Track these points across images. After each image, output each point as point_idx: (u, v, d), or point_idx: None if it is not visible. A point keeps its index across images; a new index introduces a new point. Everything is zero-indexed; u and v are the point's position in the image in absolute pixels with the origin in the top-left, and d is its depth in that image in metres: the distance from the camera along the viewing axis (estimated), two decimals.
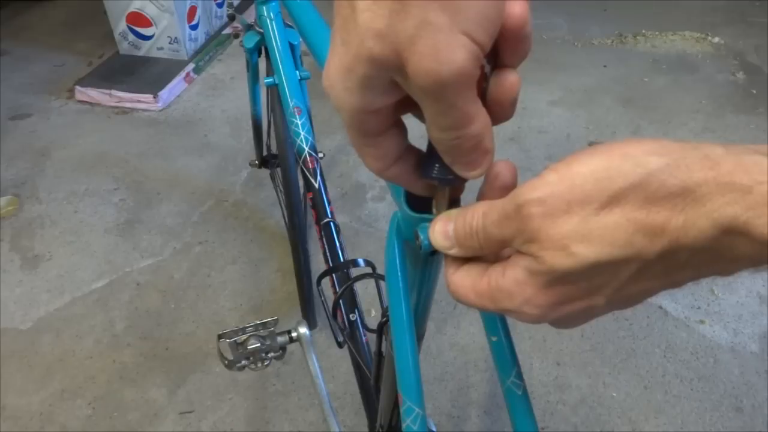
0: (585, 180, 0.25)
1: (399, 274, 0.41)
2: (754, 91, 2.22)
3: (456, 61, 0.23)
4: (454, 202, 0.35)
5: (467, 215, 0.30)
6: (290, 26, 1.12)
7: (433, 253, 0.33)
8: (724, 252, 0.23)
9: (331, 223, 0.97)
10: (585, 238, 0.24)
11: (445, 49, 0.23)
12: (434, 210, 0.34)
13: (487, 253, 0.30)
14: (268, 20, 1.09)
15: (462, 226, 0.30)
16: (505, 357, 0.40)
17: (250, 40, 1.21)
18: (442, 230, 0.31)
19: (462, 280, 0.31)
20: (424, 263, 0.42)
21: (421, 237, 0.34)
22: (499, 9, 0.24)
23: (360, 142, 0.30)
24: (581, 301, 0.27)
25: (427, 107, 0.26)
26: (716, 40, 2.53)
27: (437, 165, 0.30)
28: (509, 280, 0.28)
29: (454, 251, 0.31)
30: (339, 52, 0.26)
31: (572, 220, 0.24)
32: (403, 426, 0.43)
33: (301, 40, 1.09)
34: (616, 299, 0.27)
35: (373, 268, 0.85)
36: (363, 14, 0.24)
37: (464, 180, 0.31)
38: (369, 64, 0.25)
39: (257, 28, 1.18)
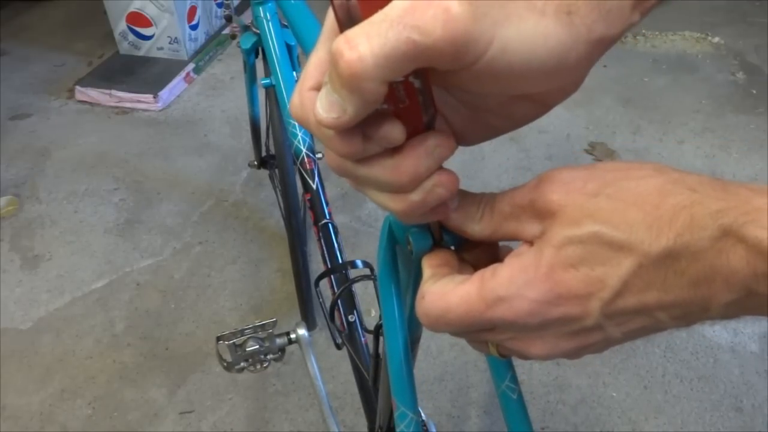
0: (606, 170, 0.27)
1: (391, 278, 0.41)
2: (754, 91, 2.21)
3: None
4: None
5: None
6: (287, 27, 1.11)
7: None
8: (721, 263, 0.23)
9: (329, 224, 0.97)
10: (593, 215, 0.26)
11: None
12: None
13: (482, 231, 0.30)
14: (264, 21, 1.08)
15: (471, 195, 0.31)
16: (500, 361, 0.40)
17: (247, 41, 1.21)
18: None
19: (443, 287, 0.29)
20: (417, 267, 0.41)
21: (413, 242, 0.34)
22: None
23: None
24: (578, 302, 0.26)
25: None
26: (716, 40, 2.53)
27: None
28: (509, 267, 0.27)
29: (452, 206, 0.30)
30: None
31: (588, 200, 0.26)
32: (397, 431, 0.43)
33: None
34: (611, 312, 0.26)
35: (371, 269, 0.85)
36: None
37: None
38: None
39: (254, 29, 1.18)
